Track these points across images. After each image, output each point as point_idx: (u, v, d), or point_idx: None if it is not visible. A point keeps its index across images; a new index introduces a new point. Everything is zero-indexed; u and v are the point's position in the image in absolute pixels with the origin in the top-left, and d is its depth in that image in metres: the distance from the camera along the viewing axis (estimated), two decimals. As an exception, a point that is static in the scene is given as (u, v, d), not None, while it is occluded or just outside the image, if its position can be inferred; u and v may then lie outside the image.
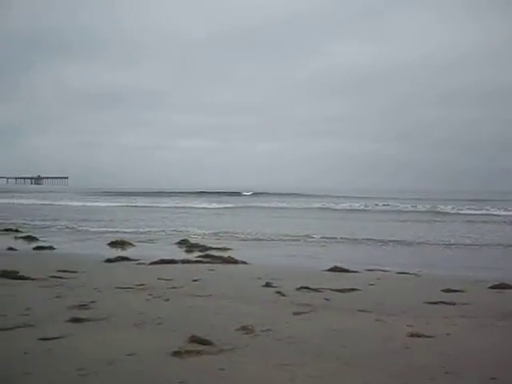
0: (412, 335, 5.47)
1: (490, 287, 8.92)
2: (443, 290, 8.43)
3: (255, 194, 66.08)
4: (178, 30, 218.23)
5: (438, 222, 28.47)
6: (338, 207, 40.35)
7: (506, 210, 35.82)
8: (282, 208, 40.14)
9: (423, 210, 38.01)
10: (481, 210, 36.37)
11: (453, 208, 38.10)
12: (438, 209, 38.28)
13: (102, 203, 42.53)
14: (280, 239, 17.84)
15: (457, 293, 8.30)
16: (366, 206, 41.00)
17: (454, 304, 7.39)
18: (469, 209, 37.44)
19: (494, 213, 34.29)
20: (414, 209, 38.97)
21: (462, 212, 35.29)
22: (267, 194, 65.87)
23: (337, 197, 56.24)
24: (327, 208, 39.64)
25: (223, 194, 63.20)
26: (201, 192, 65.26)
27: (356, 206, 41.29)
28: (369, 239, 17.76)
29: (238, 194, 67.12)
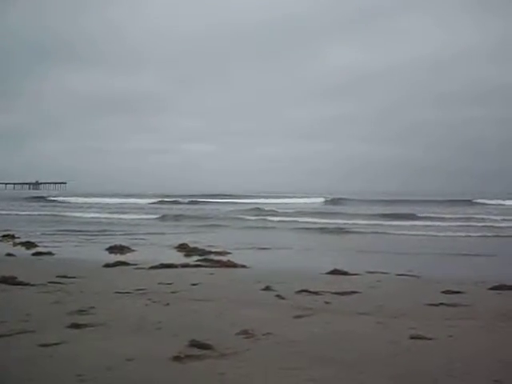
0: (413, 337, 5.44)
1: (490, 288, 8.90)
2: (443, 292, 8.40)
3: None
4: (176, 36, 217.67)
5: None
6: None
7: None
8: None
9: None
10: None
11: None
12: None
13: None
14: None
15: (457, 294, 8.27)
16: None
17: (454, 306, 7.36)
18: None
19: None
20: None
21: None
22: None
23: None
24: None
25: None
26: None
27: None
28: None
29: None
